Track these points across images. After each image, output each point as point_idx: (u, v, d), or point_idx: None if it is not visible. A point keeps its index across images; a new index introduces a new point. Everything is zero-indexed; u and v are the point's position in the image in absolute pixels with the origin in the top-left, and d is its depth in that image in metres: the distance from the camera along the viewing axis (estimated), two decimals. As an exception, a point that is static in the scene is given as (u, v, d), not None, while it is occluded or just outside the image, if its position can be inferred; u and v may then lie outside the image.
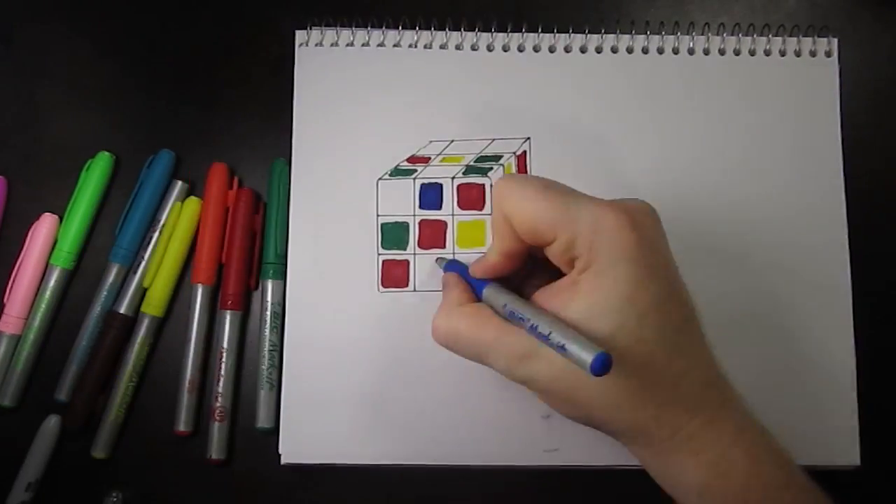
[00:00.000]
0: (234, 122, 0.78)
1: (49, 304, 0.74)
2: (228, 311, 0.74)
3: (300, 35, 0.76)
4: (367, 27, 0.76)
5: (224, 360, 0.73)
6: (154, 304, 0.74)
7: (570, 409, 0.60)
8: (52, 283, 0.74)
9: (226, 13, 0.80)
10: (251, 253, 0.75)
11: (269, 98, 0.76)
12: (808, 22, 0.76)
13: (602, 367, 0.50)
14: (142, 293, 0.75)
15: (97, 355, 0.74)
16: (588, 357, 0.51)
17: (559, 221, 0.57)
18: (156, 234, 0.75)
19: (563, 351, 0.53)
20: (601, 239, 0.56)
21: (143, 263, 0.75)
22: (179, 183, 0.76)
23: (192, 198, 0.76)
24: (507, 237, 0.61)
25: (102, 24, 0.80)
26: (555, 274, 0.61)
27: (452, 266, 0.69)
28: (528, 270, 0.64)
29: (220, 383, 0.73)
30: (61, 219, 0.76)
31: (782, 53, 0.76)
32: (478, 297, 0.64)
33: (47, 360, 0.75)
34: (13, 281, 0.74)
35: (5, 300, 0.74)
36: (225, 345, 0.74)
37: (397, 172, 0.74)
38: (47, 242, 0.75)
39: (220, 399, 0.73)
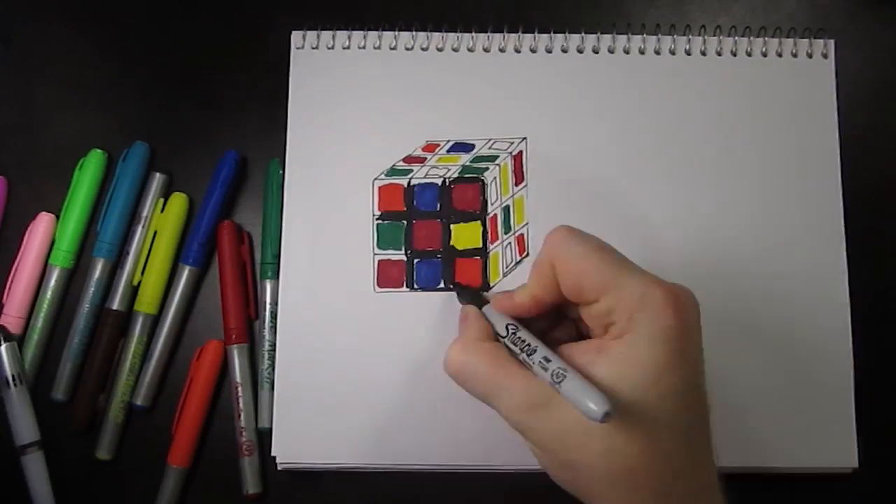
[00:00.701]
0: (234, 123, 0.78)
1: (51, 304, 0.75)
2: (235, 346, 0.74)
3: (296, 38, 0.76)
4: (363, 29, 0.76)
5: (241, 394, 0.73)
6: (147, 303, 0.74)
7: (562, 473, 0.59)
8: (52, 282, 0.75)
9: (226, 14, 0.80)
10: (244, 283, 0.75)
11: (269, 98, 0.76)
12: (808, 23, 0.76)
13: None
14: (132, 289, 0.75)
15: (95, 353, 0.74)
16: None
17: (607, 284, 0.57)
18: (139, 229, 0.75)
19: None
20: (644, 313, 0.55)
21: (129, 258, 0.75)
22: (158, 175, 0.76)
23: (179, 193, 0.76)
24: (546, 285, 0.60)
25: (102, 25, 0.80)
26: (572, 332, 0.63)
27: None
28: (549, 325, 0.64)
29: (242, 418, 0.73)
30: (60, 218, 0.76)
31: (779, 55, 0.75)
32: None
33: (48, 360, 0.75)
34: (11, 280, 0.75)
35: (4, 300, 0.74)
36: (238, 379, 0.73)
37: (393, 172, 0.73)
38: (45, 242, 0.75)
39: (244, 434, 0.73)
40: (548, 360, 0.56)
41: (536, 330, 0.62)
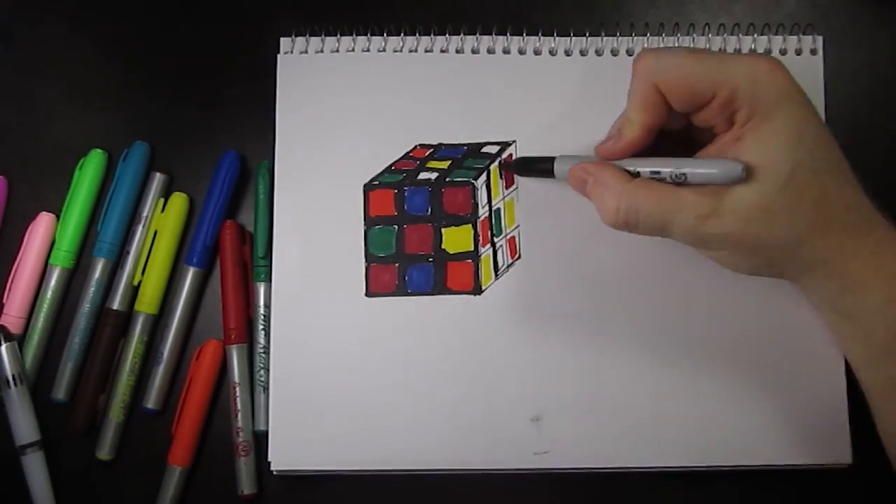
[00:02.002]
0: (234, 123, 0.78)
1: (51, 304, 0.75)
2: (234, 346, 0.74)
3: (285, 43, 0.75)
4: (352, 34, 0.75)
5: (238, 394, 0.73)
6: (147, 302, 0.74)
7: (756, 258, 0.63)
8: (52, 282, 0.75)
9: (226, 14, 0.80)
10: (245, 283, 0.75)
11: (269, 98, 0.75)
12: (808, 22, 0.75)
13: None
14: (132, 289, 0.75)
15: (95, 353, 0.74)
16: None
17: (717, 77, 0.60)
18: (140, 228, 0.75)
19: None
20: (761, 85, 0.59)
21: (129, 258, 0.75)
22: (158, 175, 0.76)
23: (179, 193, 0.76)
24: (654, 109, 0.63)
25: (102, 25, 0.80)
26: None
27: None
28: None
29: (239, 418, 0.73)
30: (60, 218, 0.76)
31: (767, 52, 0.75)
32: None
33: (48, 360, 0.75)
34: (12, 280, 0.75)
35: (4, 300, 0.75)
36: (237, 379, 0.73)
37: (384, 177, 0.73)
38: (45, 241, 0.75)
39: (241, 434, 0.73)
40: (678, 167, 0.61)
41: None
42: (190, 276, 0.75)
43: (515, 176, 0.73)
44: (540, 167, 0.71)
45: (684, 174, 0.60)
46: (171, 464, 0.72)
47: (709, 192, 0.59)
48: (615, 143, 0.64)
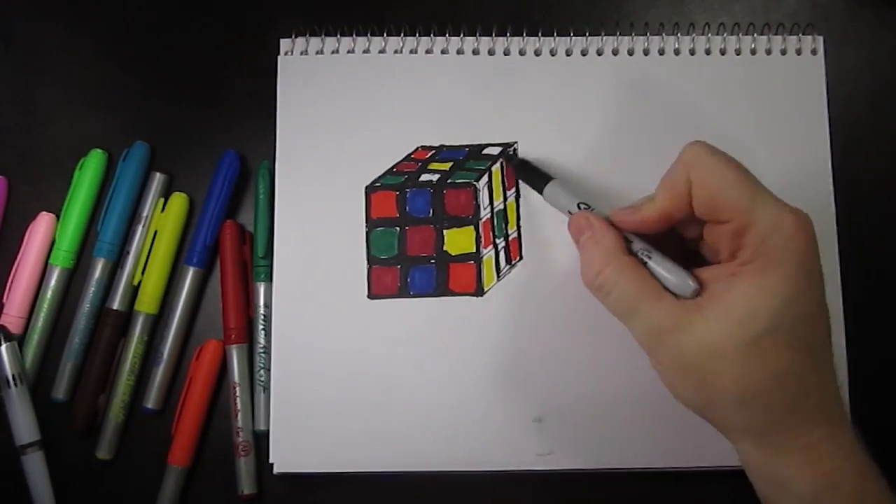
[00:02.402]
0: (234, 123, 0.78)
1: (51, 304, 0.75)
2: (234, 346, 0.74)
3: (285, 44, 0.76)
4: (352, 35, 0.75)
5: (238, 394, 0.73)
6: (147, 302, 0.74)
7: (696, 395, 0.59)
8: (52, 282, 0.75)
9: (226, 14, 0.80)
10: (245, 283, 0.75)
11: (269, 98, 0.75)
12: (808, 22, 0.76)
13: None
14: (132, 289, 0.75)
15: (95, 353, 0.74)
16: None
17: (742, 205, 0.57)
18: (140, 228, 0.75)
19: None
20: (776, 238, 0.56)
21: (129, 258, 0.75)
22: (158, 175, 0.76)
23: (179, 193, 0.76)
24: (678, 200, 0.61)
25: (102, 25, 0.80)
26: (675, 254, 0.62)
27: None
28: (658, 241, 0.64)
29: (239, 418, 0.73)
30: (61, 218, 0.76)
31: (768, 52, 0.75)
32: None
33: (48, 360, 0.75)
34: (11, 280, 0.75)
35: (4, 300, 0.75)
36: (237, 379, 0.73)
37: (385, 179, 0.73)
38: (45, 241, 0.75)
39: (241, 434, 0.73)
40: (650, 252, 0.61)
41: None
42: (190, 275, 0.75)
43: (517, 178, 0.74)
44: (533, 180, 0.71)
45: (651, 258, 0.60)
46: (171, 464, 0.72)
47: (684, 308, 0.58)
48: (630, 215, 0.63)
